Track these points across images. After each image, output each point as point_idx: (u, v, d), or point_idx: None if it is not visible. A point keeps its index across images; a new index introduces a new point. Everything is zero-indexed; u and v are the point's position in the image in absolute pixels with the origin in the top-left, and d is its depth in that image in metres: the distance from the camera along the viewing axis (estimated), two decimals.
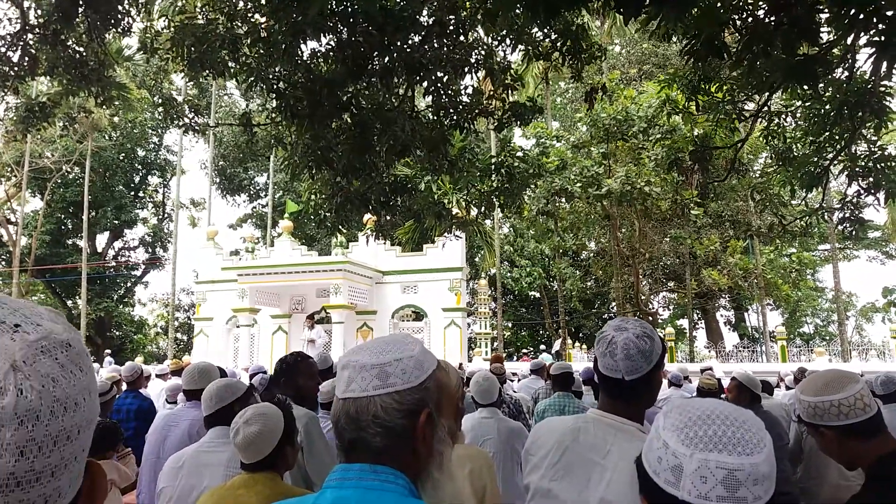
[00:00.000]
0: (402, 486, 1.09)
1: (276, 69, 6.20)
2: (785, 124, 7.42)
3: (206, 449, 2.76)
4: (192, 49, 6.13)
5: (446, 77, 6.50)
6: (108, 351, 27.37)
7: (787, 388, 8.99)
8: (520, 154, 8.49)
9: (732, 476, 0.92)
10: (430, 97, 6.56)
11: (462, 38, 6.44)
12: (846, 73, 5.91)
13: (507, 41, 6.56)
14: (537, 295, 35.35)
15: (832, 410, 1.68)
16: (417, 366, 1.13)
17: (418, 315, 20.81)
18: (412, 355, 1.14)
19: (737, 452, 0.93)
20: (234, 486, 2.22)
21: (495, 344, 23.48)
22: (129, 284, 40.18)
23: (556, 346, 24.44)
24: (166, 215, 40.68)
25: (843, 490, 4.04)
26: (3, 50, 6.67)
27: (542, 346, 31.28)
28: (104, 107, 8.41)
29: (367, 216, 11.83)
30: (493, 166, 8.01)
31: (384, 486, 1.07)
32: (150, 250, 40.52)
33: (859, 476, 1.67)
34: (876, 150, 6.63)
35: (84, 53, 7.08)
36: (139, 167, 38.42)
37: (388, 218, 8.49)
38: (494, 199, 8.27)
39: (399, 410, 1.09)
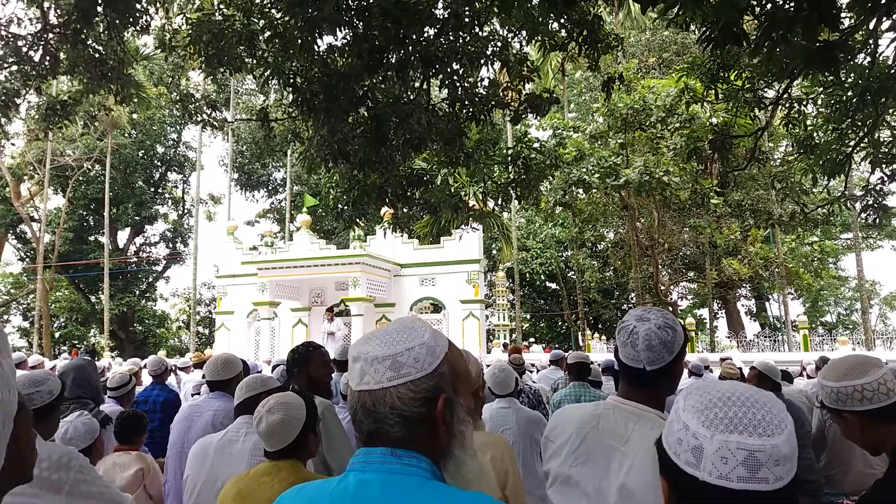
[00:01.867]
0: (426, 468, 1.09)
1: (293, 64, 6.22)
2: (806, 111, 7.33)
3: (232, 437, 2.81)
4: (210, 45, 6.17)
5: (462, 69, 6.48)
6: (64, 348, 27.72)
7: (809, 377, 8.90)
8: (536, 145, 8.46)
9: (753, 457, 0.92)
10: (446, 90, 6.55)
11: (477, 30, 6.42)
12: (868, 59, 5.82)
13: (523, 32, 6.53)
14: (555, 286, 35.26)
15: (855, 395, 1.67)
16: (430, 352, 1.13)
17: (436, 307, 20.85)
18: (423, 342, 1.13)
19: (758, 433, 0.93)
20: (258, 474, 2.26)
21: (514, 335, 23.47)
22: (150, 279, 40.66)
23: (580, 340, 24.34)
24: (186, 211, 41.08)
25: (868, 478, 4.01)
26: (25, 49, 6.76)
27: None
28: (123, 105, 8.50)
29: (384, 209, 11.87)
30: (509, 158, 8.00)
31: (406, 469, 1.08)
32: (170, 246, 41.00)
33: (883, 463, 1.66)
34: None
35: (103, 52, 7.16)
36: (158, 164, 38.81)
37: (406, 211, 8.51)
38: (511, 191, 8.25)
39: (416, 399, 1.10)
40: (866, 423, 1.68)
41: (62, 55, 6.86)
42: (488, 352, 18.89)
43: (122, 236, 39.37)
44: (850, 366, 1.73)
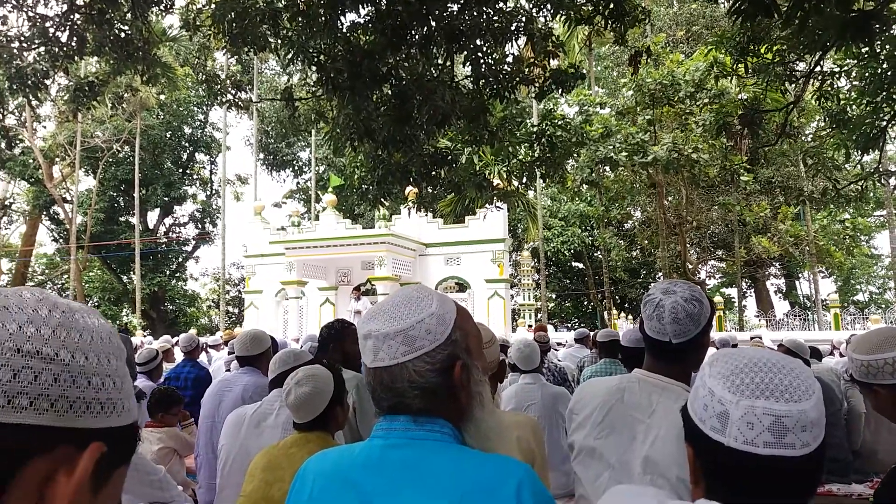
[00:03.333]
0: (448, 433, 1.11)
1: (316, 42, 6.22)
2: (839, 85, 7.15)
3: (266, 410, 2.87)
4: (234, 24, 6.19)
5: (486, 45, 6.42)
6: None
7: (841, 355, 8.79)
8: (561, 122, 8.37)
9: (780, 422, 0.91)
10: (470, 66, 6.50)
11: (502, 4, 6.35)
12: None
13: (548, 6, 6.44)
14: (581, 265, 35.09)
15: (886, 368, 1.65)
16: (440, 321, 1.12)
17: (461, 286, 20.90)
18: (432, 312, 1.12)
19: (784, 399, 0.92)
20: (286, 445, 2.31)
21: (539, 315, 23.47)
22: (180, 259, 41.26)
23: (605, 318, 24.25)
24: (214, 192, 41.51)
25: None
26: (52, 30, 6.83)
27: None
28: (150, 85, 8.58)
29: (408, 188, 11.85)
30: (534, 136, 7.94)
31: (429, 435, 1.10)
32: (199, 226, 41.49)
33: None
34: None
35: (129, 32, 7.21)
36: (186, 144, 39.16)
37: (430, 190, 8.50)
38: (536, 170, 8.20)
39: (433, 370, 1.10)
40: None
41: (88, 36, 6.92)
42: (513, 331, 18.91)
43: (152, 217, 39.95)
44: (881, 339, 1.70)
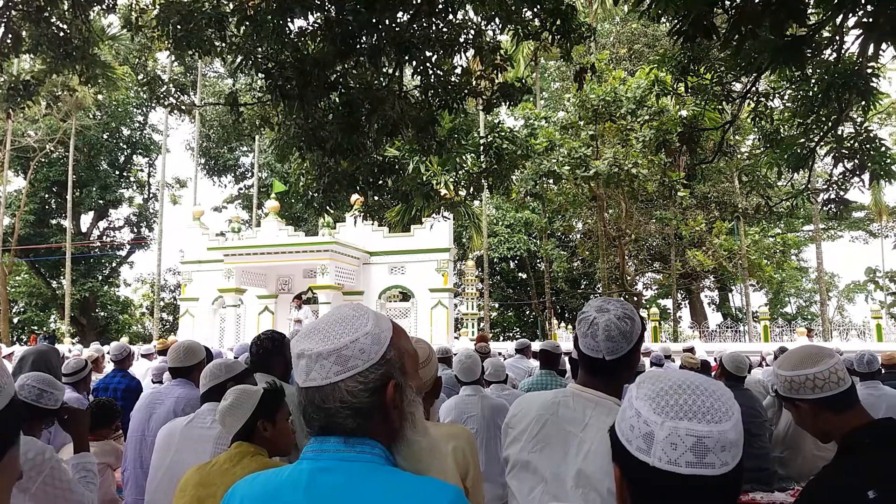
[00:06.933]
0: (379, 454, 1.10)
1: (264, 48, 6.13)
2: (772, 106, 7.45)
3: (197, 423, 2.80)
4: (178, 27, 6.05)
5: (435, 56, 6.46)
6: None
7: (768, 366, 9.13)
8: (508, 135, 8.47)
9: (701, 443, 0.94)
10: (419, 77, 6.53)
11: (451, 16, 6.40)
12: (834, 55, 5.93)
13: (497, 20, 6.53)
14: (524, 276, 35.49)
15: (807, 384, 1.72)
16: (375, 341, 1.11)
17: (405, 296, 20.84)
18: (367, 331, 1.11)
19: (706, 420, 0.96)
20: (220, 462, 2.26)
21: (482, 324, 23.59)
22: (114, 265, 39.89)
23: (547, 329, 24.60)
24: (151, 195, 40.35)
25: (819, 460, 4.15)
26: None
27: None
28: (88, 85, 8.30)
29: (354, 197, 11.76)
30: (482, 147, 8.01)
31: (360, 456, 1.08)
32: (135, 230, 40.24)
33: (833, 448, 1.72)
34: (862, 131, 6.68)
35: (68, 31, 6.97)
36: (124, 146, 37.98)
37: (376, 198, 8.48)
38: (483, 181, 8.27)
39: (366, 390, 1.09)
40: (818, 411, 1.73)
41: (24, 33, 6.66)
42: (456, 339, 18.96)
43: (86, 220, 38.53)
44: (803, 356, 1.78)
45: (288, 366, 3.27)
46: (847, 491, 1.51)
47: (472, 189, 8.62)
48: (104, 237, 39.93)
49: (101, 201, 35.80)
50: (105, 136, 35.83)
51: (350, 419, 1.09)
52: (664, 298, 35.49)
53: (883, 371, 5.58)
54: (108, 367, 7.26)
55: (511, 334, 34.92)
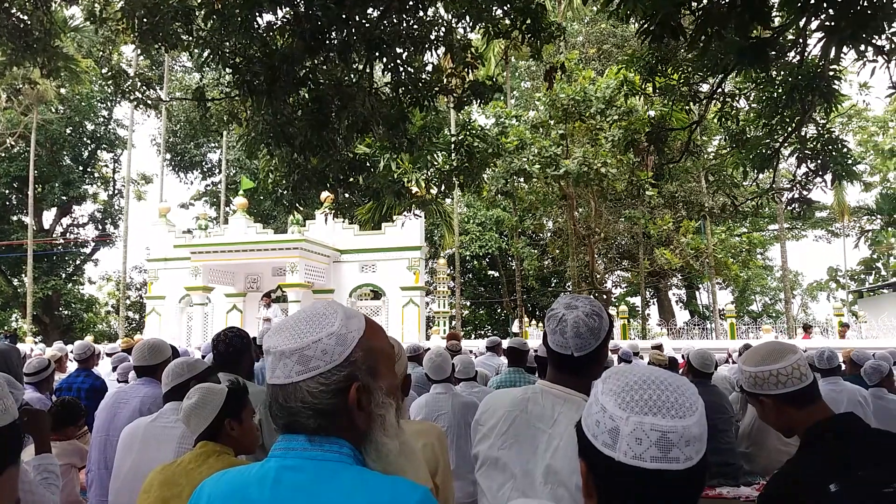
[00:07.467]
0: (347, 454, 1.09)
1: (232, 42, 6.05)
2: (738, 107, 7.58)
3: (160, 423, 2.76)
4: (144, 20, 5.94)
5: (406, 54, 6.44)
6: None
7: (734, 363, 9.29)
8: (479, 133, 8.48)
9: (666, 438, 0.96)
10: (390, 74, 6.49)
11: (422, 13, 6.38)
12: (797, 57, 6.05)
13: (467, 18, 6.53)
14: (495, 274, 35.63)
15: (771, 380, 1.75)
16: (339, 342, 1.09)
17: (377, 294, 20.77)
18: (332, 332, 1.09)
19: (670, 415, 0.97)
20: (185, 462, 2.23)
21: (453, 322, 23.62)
22: (78, 262, 39.04)
23: (514, 326, 24.73)
24: (116, 191, 39.57)
25: (783, 454, 4.24)
26: None
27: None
28: (50, 78, 8.10)
29: (324, 194, 11.70)
30: (453, 145, 8.00)
31: (327, 455, 1.07)
32: (99, 227, 39.41)
33: (797, 443, 1.75)
34: (824, 132, 6.83)
35: (28, 22, 6.80)
36: (88, 141, 37.15)
37: (347, 196, 8.42)
38: (454, 178, 8.27)
39: (327, 391, 1.07)
40: (781, 406, 1.76)
41: None
42: (427, 338, 18.95)
43: (48, 216, 37.64)
44: (766, 352, 1.81)
45: (253, 364, 3.23)
46: (809, 484, 1.54)
47: (443, 187, 8.61)
48: (68, 234, 39.06)
49: (64, 197, 35.01)
50: (68, 131, 35.03)
51: (312, 419, 1.08)
52: (633, 296, 35.90)
53: (843, 367, 5.71)
54: (72, 366, 7.11)
55: (483, 332, 35.01)
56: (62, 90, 30.49)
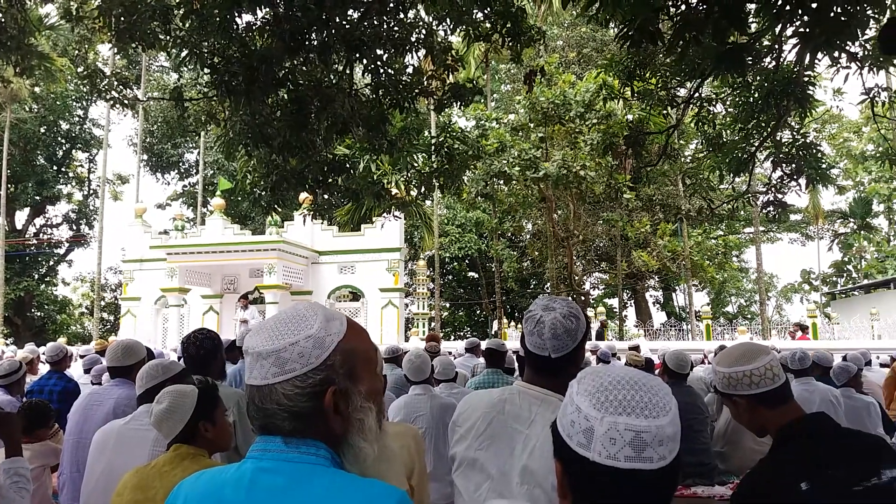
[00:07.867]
0: (324, 456, 1.08)
1: (210, 42, 6.00)
2: (715, 111, 7.68)
3: (134, 426, 2.71)
4: (121, 19, 5.86)
5: (386, 55, 6.43)
6: None
7: (710, 364, 9.38)
8: (459, 135, 8.50)
9: (639, 437, 0.96)
10: (370, 75, 6.48)
11: (402, 15, 6.38)
12: (773, 63, 6.14)
13: (448, 21, 6.54)
14: (474, 275, 35.69)
15: (744, 380, 1.78)
16: (317, 345, 1.08)
17: (355, 295, 20.68)
18: (310, 335, 1.08)
19: (644, 415, 0.98)
20: (158, 465, 2.20)
21: (433, 324, 23.61)
22: (51, 263, 38.44)
23: (494, 327, 24.80)
24: (91, 191, 39.01)
25: (758, 454, 4.29)
26: None
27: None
28: (24, 77, 7.97)
29: (303, 195, 11.61)
30: (433, 147, 8.01)
31: (304, 458, 1.07)
32: (74, 227, 38.82)
33: (770, 442, 1.78)
34: (799, 137, 6.95)
35: (2, 20, 6.69)
36: (62, 141, 36.59)
37: (326, 197, 8.39)
38: (434, 180, 8.27)
39: (302, 395, 1.06)
40: (754, 406, 1.79)
41: None
42: (406, 340, 18.93)
43: (21, 216, 37.00)
44: (740, 353, 1.84)
45: (224, 366, 3.21)
46: (781, 484, 1.57)
47: (423, 189, 8.61)
48: (41, 234, 38.42)
49: (37, 197, 34.45)
50: (42, 130, 34.49)
51: (287, 421, 1.07)
52: (611, 298, 36.16)
53: (815, 367, 5.80)
54: (44, 368, 6.99)
55: (462, 334, 35.04)
56: (36, 89, 30.04)
